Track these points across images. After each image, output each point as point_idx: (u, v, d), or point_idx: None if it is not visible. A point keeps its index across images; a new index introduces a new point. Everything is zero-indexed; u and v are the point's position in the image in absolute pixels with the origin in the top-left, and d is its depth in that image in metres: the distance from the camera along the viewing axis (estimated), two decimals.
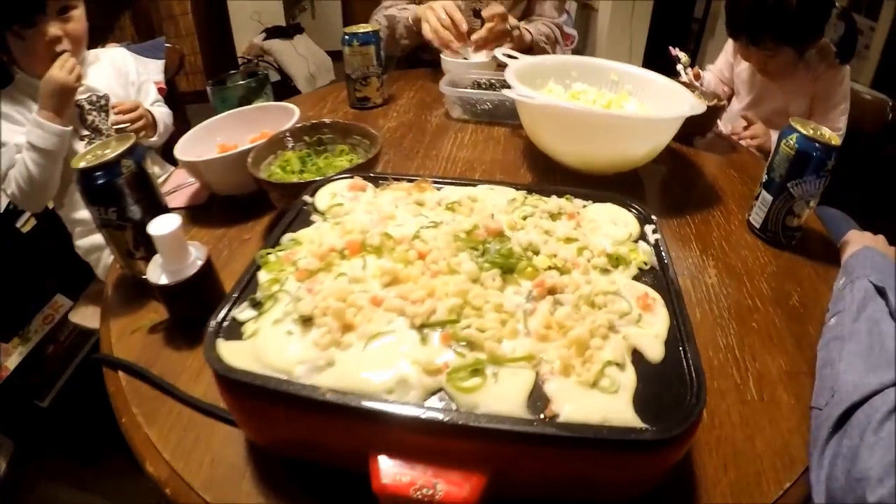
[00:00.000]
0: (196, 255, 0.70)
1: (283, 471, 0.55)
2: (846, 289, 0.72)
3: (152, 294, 0.74)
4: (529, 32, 1.51)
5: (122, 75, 1.37)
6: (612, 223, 0.63)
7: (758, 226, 0.92)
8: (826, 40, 1.42)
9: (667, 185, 1.07)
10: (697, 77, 1.53)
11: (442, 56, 1.41)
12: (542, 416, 0.42)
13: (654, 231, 0.64)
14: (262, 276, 0.55)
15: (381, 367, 0.44)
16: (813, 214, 0.95)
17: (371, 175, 0.71)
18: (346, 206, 0.63)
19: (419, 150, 1.17)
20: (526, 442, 0.40)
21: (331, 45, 3.04)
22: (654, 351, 0.48)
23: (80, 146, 1.27)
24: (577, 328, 0.46)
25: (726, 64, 1.66)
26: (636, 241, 0.62)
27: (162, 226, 0.64)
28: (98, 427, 1.69)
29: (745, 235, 0.93)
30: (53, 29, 1.14)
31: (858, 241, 0.84)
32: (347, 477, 0.49)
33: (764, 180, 0.89)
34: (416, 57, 1.68)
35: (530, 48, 1.51)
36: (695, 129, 1.18)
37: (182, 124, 1.60)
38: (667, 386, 0.45)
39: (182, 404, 0.63)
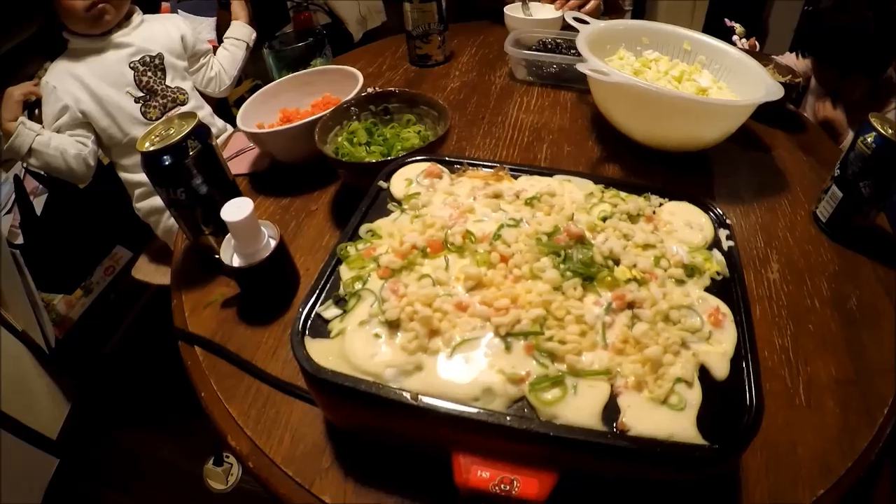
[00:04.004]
0: (269, 236, 0.74)
1: (363, 448, 0.60)
2: None
3: (223, 272, 0.78)
4: None
5: (177, 39, 1.41)
6: (687, 226, 0.64)
7: (824, 220, 0.90)
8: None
9: (735, 166, 1.05)
10: (754, 47, 1.49)
11: (506, 11, 1.39)
12: (614, 427, 0.46)
13: (728, 237, 0.64)
14: (344, 271, 0.58)
15: (468, 373, 0.48)
16: (883, 214, 0.93)
17: (447, 159, 0.74)
18: (422, 195, 0.66)
19: (484, 116, 1.17)
20: (598, 452, 0.45)
21: None
22: (721, 369, 0.50)
23: (135, 108, 1.32)
24: (653, 346, 0.49)
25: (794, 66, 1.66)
26: (710, 249, 0.63)
27: (235, 211, 0.67)
28: (155, 376, 1.83)
29: (810, 228, 0.92)
30: None
31: None
32: (426, 457, 0.54)
33: (835, 174, 0.87)
34: (472, 3, 1.66)
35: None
36: (770, 105, 1.16)
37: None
38: (728, 405, 0.48)
39: (260, 381, 0.68)
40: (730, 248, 0.63)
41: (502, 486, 0.46)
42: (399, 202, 0.67)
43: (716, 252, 0.62)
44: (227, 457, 1.70)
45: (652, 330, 0.51)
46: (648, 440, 0.45)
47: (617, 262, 0.57)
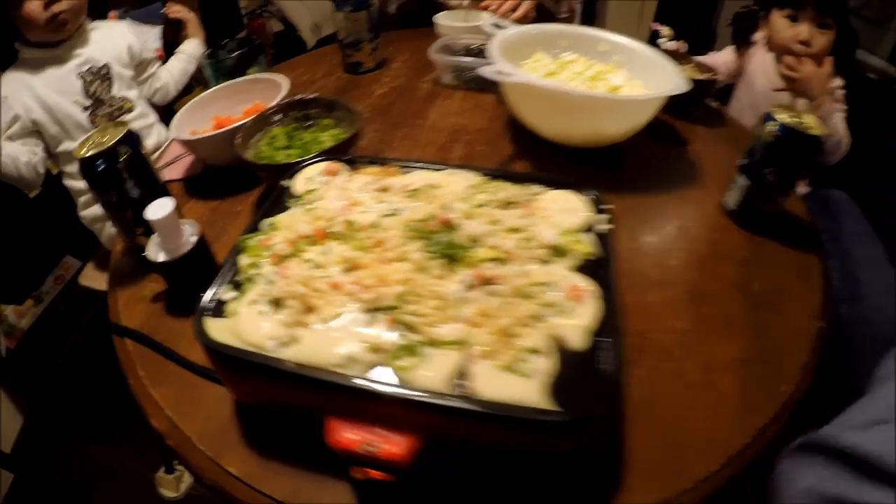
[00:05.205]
0: (190, 233, 0.81)
1: (264, 424, 0.68)
2: None
3: (152, 268, 0.86)
4: None
5: (124, 48, 1.48)
6: (564, 212, 0.71)
7: (732, 208, 0.96)
8: None
9: (648, 159, 1.12)
10: (681, 49, 1.58)
11: (435, 19, 1.47)
12: (461, 393, 0.52)
13: (606, 221, 0.70)
14: (243, 259, 0.66)
15: (336, 344, 0.55)
16: (794, 200, 0.99)
17: (346, 158, 0.81)
18: (318, 191, 0.74)
19: (406, 119, 1.25)
20: (444, 413, 0.51)
21: None
22: (577, 341, 0.56)
23: (83, 117, 1.38)
24: (504, 318, 0.56)
25: (725, 63, 1.73)
26: (585, 231, 0.69)
27: (157, 210, 0.75)
28: (107, 385, 1.87)
29: (720, 217, 0.97)
30: None
31: None
32: (317, 429, 0.60)
33: (742, 163, 0.92)
34: (421, 14, 1.73)
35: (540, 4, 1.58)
36: (687, 101, 1.21)
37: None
38: (584, 374, 0.53)
39: (181, 367, 0.76)
40: (604, 231, 0.69)
41: (368, 447, 0.53)
42: (299, 198, 0.74)
43: (587, 234, 0.68)
44: (178, 464, 1.75)
45: (506, 304, 0.58)
46: (488, 402, 0.50)
47: (480, 245, 0.64)
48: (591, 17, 2.80)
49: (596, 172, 1.06)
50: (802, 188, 1.64)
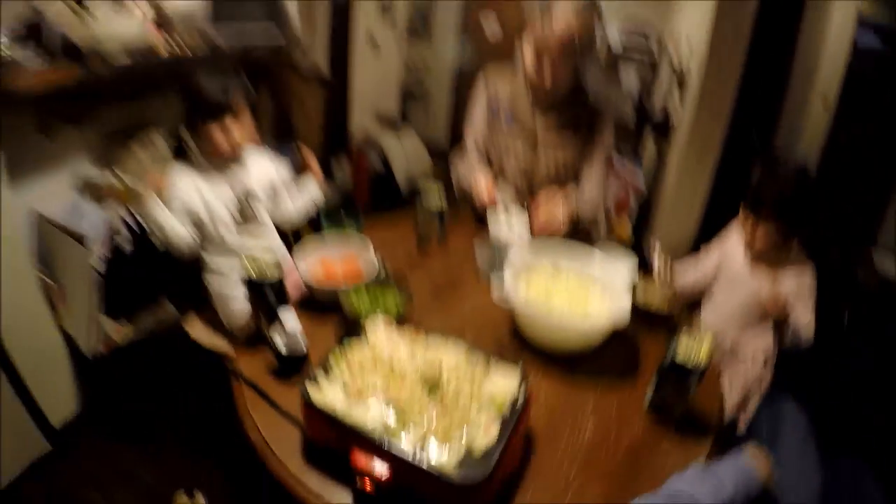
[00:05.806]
0: (302, 341, 1.48)
1: (316, 454, 1.27)
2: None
3: (271, 349, 1.50)
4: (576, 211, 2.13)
5: (267, 180, 2.04)
6: (503, 378, 1.31)
7: (647, 400, 1.40)
8: None
9: (603, 355, 1.57)
10: (668, 263, 1.98)
11: (490, 219, 1.95)
12: (417, 454, 1.13)
13: (524, 390, 1.28)
14: (331, 359, 1.31)
15: (367, 416, 1.19)
16: (705, 398, 1.40)
17: (397, 320, 1.49)
18: (378, 332, 1.40)
19: (445, 295, 1.85)
20: (402, 461, 1.12)
21: (434, 140, 3.64)
22: (480, 449, 1.14)
23: (230, 221, 1.93)
24: (446, 423, 1.17)
25: (721, 249, 2.09)
26: (515, 390, 1.27)
27: (290, 321, 1.44)
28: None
29: (638, 408, 1.41)
30: (231, 124, 1.80)
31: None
32: (343, 460, 1.19)
33: (657, 369, 1.35)
34: None
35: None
36: (650, 314, 1.72)
37: None
38: (478, 467, 1.10)
39: (272, 408, 1.39)
40: (522, 396, 1.27)
41: (367, 468, 1.15)
42: (367, 336, 1.40)
43: (511, 396, 1.27)
44: (196, 494, 2.14)
45: (451, 418, 1.19)
46: (421, 460, 1.10)
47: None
48: (644, 220, 3.36)
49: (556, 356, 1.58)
50: (766, 370, 1.99)
